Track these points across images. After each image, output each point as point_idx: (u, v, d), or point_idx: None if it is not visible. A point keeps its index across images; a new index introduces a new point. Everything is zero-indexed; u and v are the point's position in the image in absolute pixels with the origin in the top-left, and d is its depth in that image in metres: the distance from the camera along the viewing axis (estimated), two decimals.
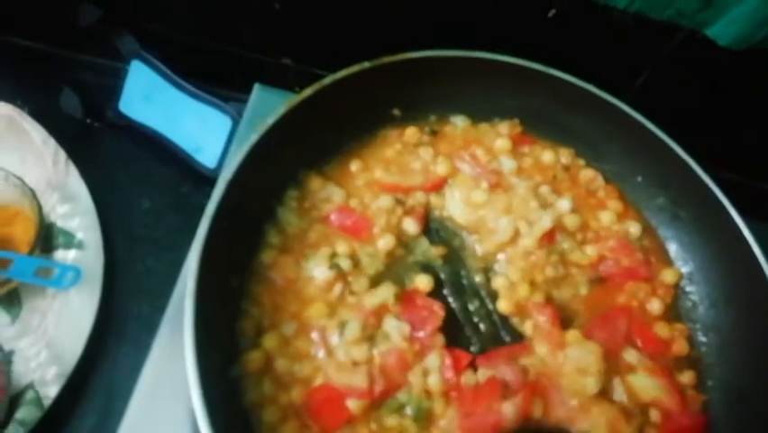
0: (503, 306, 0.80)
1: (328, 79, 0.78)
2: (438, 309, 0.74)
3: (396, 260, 0.81)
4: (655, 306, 0.84)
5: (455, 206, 0.86)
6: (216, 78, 1.10)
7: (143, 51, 1.05)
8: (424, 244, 0.83)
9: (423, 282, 0.78)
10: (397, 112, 0.91)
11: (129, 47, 1.08)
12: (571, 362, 0.73)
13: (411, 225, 0.84)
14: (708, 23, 0.88)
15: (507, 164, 0.90)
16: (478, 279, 0.83)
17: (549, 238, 0.84)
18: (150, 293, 0.91)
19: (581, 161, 0.94)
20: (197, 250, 0.62)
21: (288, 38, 1.09)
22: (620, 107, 0.87)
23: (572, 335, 0.75)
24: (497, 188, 0.88)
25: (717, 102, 1.10)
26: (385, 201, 0.82)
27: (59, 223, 0.92)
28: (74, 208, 0.96)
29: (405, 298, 0.76)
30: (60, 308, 0.85)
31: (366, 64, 0.80)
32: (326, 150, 0.88)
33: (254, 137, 0.71)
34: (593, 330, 0.79)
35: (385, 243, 0.80)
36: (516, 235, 0.84)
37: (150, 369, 0.76)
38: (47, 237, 0.91)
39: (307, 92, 0.76)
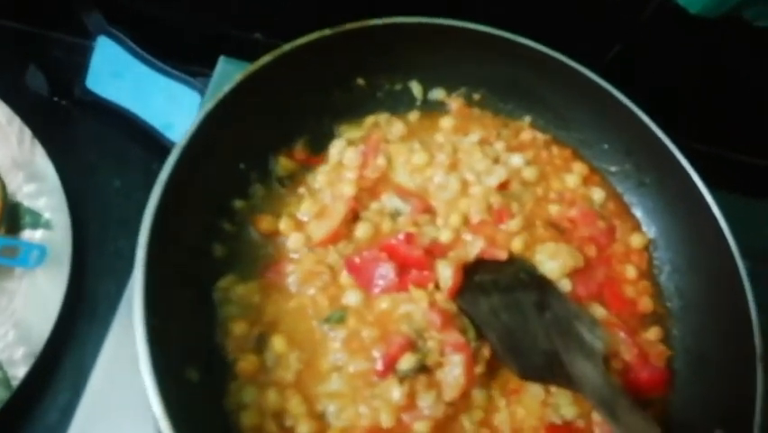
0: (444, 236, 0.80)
1: (288, 46, 0.77)
2: None
3: None
4: (630, 271, 0.85)
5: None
6: (185, 54, 1.08)
7: (110, 27, 1.03)
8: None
9: None
10: (361, 81, 0.90)
11: (96, 23, 1.06)
12: None
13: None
14: None
15: (446, 123, 0.90)
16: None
17: (503, 187, 0.85)
18: (121, 273, 0.87)
19: (525, 123, 0.95)
20: (147, 227, 0.61)
21: (259, 11, 1.07)
22: (587, 75, 0.87)
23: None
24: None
25: (689, 73, 1.10)
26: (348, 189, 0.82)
27: (26, 202, 0.91)
28: (40, 188, 0.94)
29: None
30: (28, 289, 0.85)
31: (327, 31, 0.79)
32: (292, 128, 0.87)
33: (209, 105, 0.70)
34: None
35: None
36: (464, 187, 0.84)
37: (109, 346, 0.76)
38: (13, 217, 0.90)
39: (266, 59, 0.75)
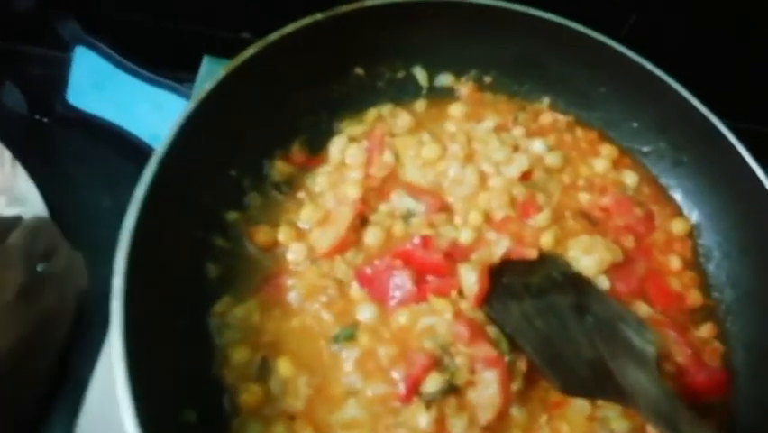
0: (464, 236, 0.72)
1: (274, 36, 0.69)
2: None
3: None
4: (674, 261, 0.77)
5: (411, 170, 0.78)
6: (170, 60, 1.01)
7: (88, 36, 0.98)
8: None
9: None
10: (359, 71, 0.82)
11: (72, 32, 1.00)
12: None
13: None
14: None
15: (456, 111, 0.83)
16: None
17: (525, 177, 0.78)
18: None
19: (544, 105, 0.87)
20: (124, 252, 0.53)
21: (246, 8, 0.99)
22: (610, 45, 0.79)
23: None
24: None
25: (714, 41, 1.01)
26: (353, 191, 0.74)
27: None
28: (24, 213, 0.86)
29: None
30: None
31: (318, 16, 0.71)
32: (287, 127, 0.79)
33: (189, 108, 0.62)
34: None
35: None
36: (483, 180, 0.76)
37: (97, 386, 0.68)
38: None
39: (250, 51, 0.67)
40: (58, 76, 1.01)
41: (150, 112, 0.99)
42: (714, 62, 1.00)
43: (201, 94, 0.63)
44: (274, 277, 0.71)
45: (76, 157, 1.00)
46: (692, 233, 0.80)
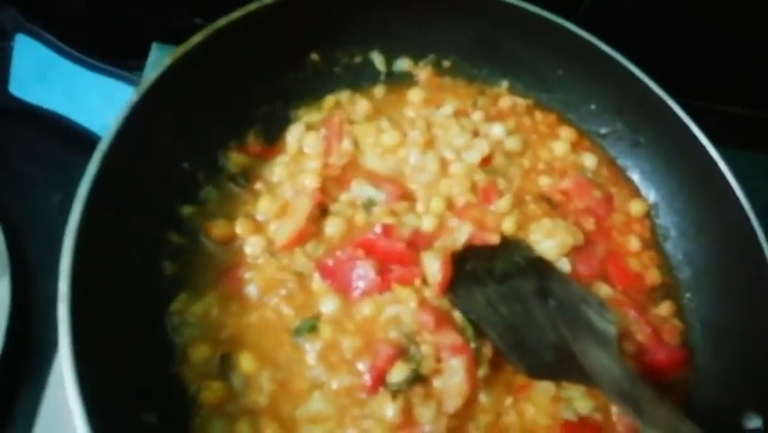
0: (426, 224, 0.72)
1: (223, 21, 0.66)
2: None
3: None
4: (633, 242, 0.78)
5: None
6: (119, 47, 0.97)
7: (29, 24, 0.93)
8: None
9: None
10: (315, 57, 0.80)
11: (11, 19, 0.95)
12: None
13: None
14: None
15: (415, 96, 0.81)
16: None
17: (486, 162, 0.77)
18: None
19: (503, 89, 0.86)
20: (68, 253, 0.51)
21: None
22: (567, 27, 0.79)
23: None
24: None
25: (671, 18, 1.01)
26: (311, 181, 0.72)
27: None
28: None
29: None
30: None
31: (267, 0, 0.69)
32: (241, 117, 0.76)
33: (134, 98, 0.59)
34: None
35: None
36: (444, 166, 0.75)
37: (51, 395, 0.65)
38: None
39: (197, 38, 0.64)
40: None
41: (100, 102, 0.94)
42: (669, 41, 1.01)
43: (146, 83, 0.60)
44: (232, 270, 0.69)
45: (21, 151, 0.95)
46: (650, 213, 0.82)
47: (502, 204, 0.73)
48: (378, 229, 0.68)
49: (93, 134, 0.94)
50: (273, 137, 0.77)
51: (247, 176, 0.74)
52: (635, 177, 0.84)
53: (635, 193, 0.83)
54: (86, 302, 0.53)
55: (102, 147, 0.56)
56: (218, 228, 0.69)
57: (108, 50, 0.95)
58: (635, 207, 0.81)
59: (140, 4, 0.98)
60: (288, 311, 0.66)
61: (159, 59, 0.88)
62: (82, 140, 0.92)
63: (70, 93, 0.95)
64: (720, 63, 1.02)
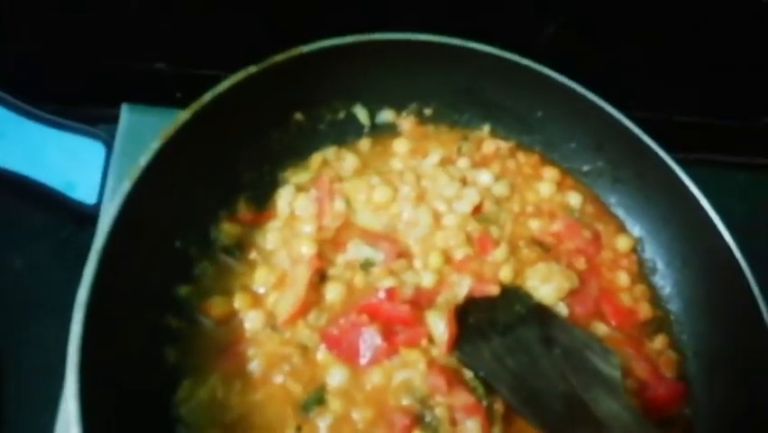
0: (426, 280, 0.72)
1: (208, 96, 0.64)
2: None
3: None
4: (623, 277, 0.80)
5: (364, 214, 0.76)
6: (78, 98, 0.93)
7: None
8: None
9: None
10: (299, 116, 0.79)
11: None
12: None
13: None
14: None
15: (401, 147, 0.82)
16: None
17: (476, 210, 0.78)
18: (46, 369, 0.72)
19: (485, 132, 0.87)
20: (74, 360, 0.48)
21: (158, 38, 0.92)
22: (542, 72, 0.80)
23: None
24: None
25: (626, 37, 1.04)
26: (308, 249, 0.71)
27: None
28: None
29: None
30: None
31: (252, 68, 0.67)
32: (229, 186, 0.74)
33: (126, 187, 0.56)
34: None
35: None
36: (437, 219, 0.76)
37: None
38: None
39: (184, 116, 0.62)
40: None
41: (61, 158, 0.91)
42: (625, 56, 1.03)
43: (136, 171, 0.58)
44: (232, 346, 0.67)
45: None
46: (636, 247, 0.84)
47: (499, 253, 0.74)
48: (382, 294, 0.67)
49: (55, 192, 0.90)
50: (263, 202, 0.76)
51: (241, 246, 0.72)
52: (620, 212, 0.86)
53: (621, 228, 0.85)
54: (92, 401, 0.50)
55: (98, 246, 0.53)
56: (216, 306, 0.67)
57: (66, 102, 0.92)
58: (622, 243, 0.83)
59: (96, 53, 0.94)
60: (294, 387, 0.65)
61: (130, 121, 0.85)
62: (43, 199, 0.89)
63: (28, 150, 0.91)
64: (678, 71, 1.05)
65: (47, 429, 0.69)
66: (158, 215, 0.62)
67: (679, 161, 0.78)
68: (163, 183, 0.61)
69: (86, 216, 0.88)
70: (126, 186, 0.57)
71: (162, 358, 0.63)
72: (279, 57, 0.68)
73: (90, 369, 0.51)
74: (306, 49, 0.69)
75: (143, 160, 0.58)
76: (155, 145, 0.59)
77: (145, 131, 0.69)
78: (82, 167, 0.90)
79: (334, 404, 0.64)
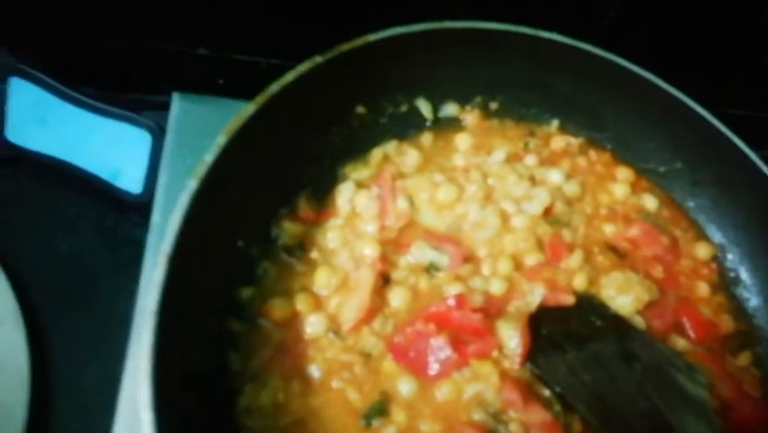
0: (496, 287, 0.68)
1: (274, 87, 0.61)
2: None
3: None
4: (702, 288, 0.75)
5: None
6: (122, 84, 0.92)
7: (21, 65, 0.88)
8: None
9: None
10: (360, 110, 0.75)
11: (2, 62, 0.88)
12: None
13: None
14: None
15: (463, 142, 0.78)
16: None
17: (547, 211, 0.74)
18: (91, 361, 0.76)
19: (554, 128, 0.83)
20: (147, 368, 0.45)
21: (199, 22, 0.89)
22: (618, 63, 0.75)
23: None
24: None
25: (696, 29, 0.98)
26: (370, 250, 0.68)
27: None
28: None
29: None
30: None
31: (318, 58, 0.63)
32: (289, 183, 0.71)
33: (192, 186, 0.53)
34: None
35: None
36: (505, 220, 0.72)
37: None
38: None
39: (250, 109, 0.58)
40: None
41: (105, 146, 0.90)
42: (697, 50, 0.97)
43: (200, 171, 0.54)
44: (291, 346, 0.64)
45: (21, 200, 0.90)
46: (717, 256, 0.79)
47: (573, 260, 0.70)
48: (451, 301, 0.64)
49: (97, 179, 0.90)
50: (324, 199, 0.72)
51: (302, 245, 0.69)
52: (699, 217, 0.81)
53: (700, 235, 0.80)
54: (165, 411, 0.48)
55: (166, 249, 0.50)
56: (278, 309, 0.64)
57: (109, 87, 0.90)
58: (702, 251, 0.78)
59: (137, 36, 0.90)
60: (353, 395, 0.62)
61: (181, 109, 0.82)
62: (86, 186, 0.89)
63: (71, 137, 0.90)
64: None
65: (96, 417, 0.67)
66: (222, 213, 0.59)
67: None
68: (228, 180, 0.58)
69: (130, 205, 0.88)
70: (192, 184, 0.53)
71: (227, 364, 0.60)
72: (345, 46, 0.64)
73: (162, 380, 0.49)
74: (372, 37, 0.65)
75: (209, 156, 0.55)
76: (221, 140, 0.56)
77: (197, 121, 0.65)
78: (128, 155, 0.89)
79: (399, 416, 0.61)
